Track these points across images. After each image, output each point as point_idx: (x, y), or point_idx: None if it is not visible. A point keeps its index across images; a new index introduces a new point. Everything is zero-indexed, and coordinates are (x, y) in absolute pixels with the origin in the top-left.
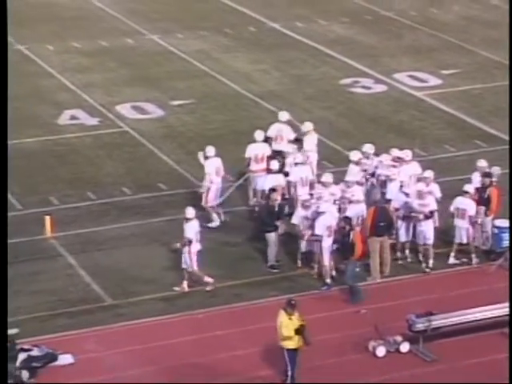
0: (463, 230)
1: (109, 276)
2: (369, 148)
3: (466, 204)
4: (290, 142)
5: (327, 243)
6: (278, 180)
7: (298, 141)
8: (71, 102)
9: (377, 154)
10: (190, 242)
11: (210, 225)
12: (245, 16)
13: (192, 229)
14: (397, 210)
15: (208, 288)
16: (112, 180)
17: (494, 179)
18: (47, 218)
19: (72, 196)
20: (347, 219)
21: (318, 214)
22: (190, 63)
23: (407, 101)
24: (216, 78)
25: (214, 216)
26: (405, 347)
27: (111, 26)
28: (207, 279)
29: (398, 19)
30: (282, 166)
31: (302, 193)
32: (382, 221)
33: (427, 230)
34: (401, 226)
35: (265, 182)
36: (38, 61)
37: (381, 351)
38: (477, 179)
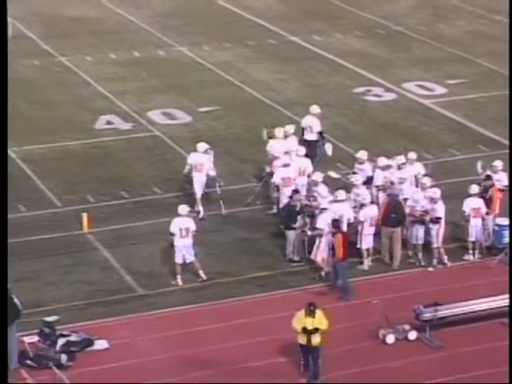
0: (478, 228)
1: (140, 268)
2: (362, 154)
3: (481, 203)
4: (319, 133)
5: (327, 238)
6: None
7: (321, 134)
8: (107, 108)
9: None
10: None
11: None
12: (266, 29)
13: (177, 224)
14: (413, 208)
15: (200, 280)
16: (143, 180)
17: (499, 180)
18: (84, 215)
19: (107, 195)
20: (335, 222)
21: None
22: (215, 73)
23: (415, 108)
24: (239, 87)
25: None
26: (412, 335)
27: (144, 39)
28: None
29: (407, 33)
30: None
31: (300, 182)
32: (393, 213)
33: (437, 232)
34: (412, 227)
35: (276, 176)
36: (78, 71)
37: (390, 339)
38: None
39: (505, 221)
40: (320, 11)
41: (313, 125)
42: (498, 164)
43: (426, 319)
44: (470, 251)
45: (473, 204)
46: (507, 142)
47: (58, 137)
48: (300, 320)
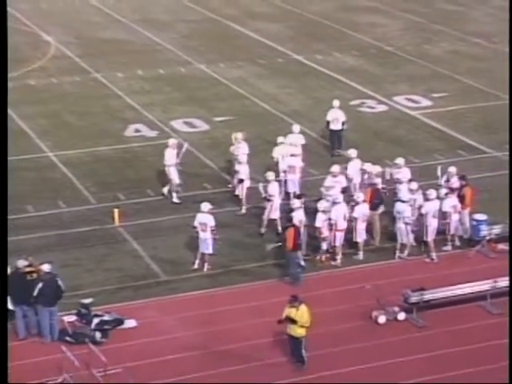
0: (457, 223)
1: (164, 257)
2: (335, 168)
3: (456, 201)
4: (343, 123)
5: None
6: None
7: (343, 124)
8: (135, 118)
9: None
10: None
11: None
12: (274, 50)
13: (198, 219)
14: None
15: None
16: (167, 180)
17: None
18: (116, 211)
19: (135, 193)
20: (289, 216)
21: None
22: (229, 87)
23: (404, 118)
24: (250, 100)
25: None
26: (401, 316)
27: (167, 58)
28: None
29: (397, 53)
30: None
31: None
32: (375, 199)
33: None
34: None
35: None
36: (110, 85)
37: (382, 319)
38: (454, 182)
39: (482, 216)
40: (321, 34)
41: (338, 117)
42: (453, 170)
43: (413, 302)
44: (449, 243)
45: (451, 203)
46: (483, 148)
47: (93, 143)
48: (286, 309)
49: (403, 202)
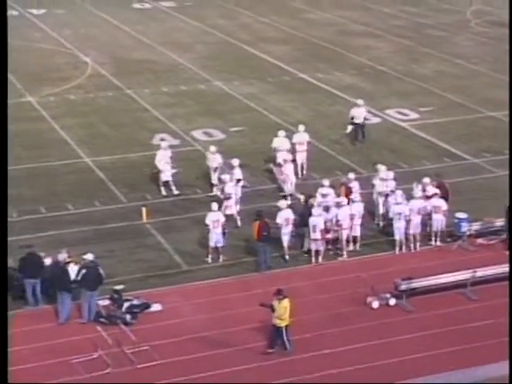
0: (440, 221)
1: (185, 250)
2: (325, 181)
3: (441, 203)
4: (366, 119)
5: (286, 230)
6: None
7: (365, 119)
8: (161, 128)
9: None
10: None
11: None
12: (281, 69)
13: (210, 217)
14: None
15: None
16: (188, 183)
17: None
18: (144, 209)
19: (160, 193)
20: (259, 212)
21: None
22: (243, 102)
23: (395, 129)
24: (261, 112)
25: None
26: (392, 301)
27: (189, 76)
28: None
29: (389, 72)
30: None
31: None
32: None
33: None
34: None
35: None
36: (139, 100)
37: (375, 304)
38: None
39: (463, 215)
40: (322, 55)
41: (360, 114)
42: (426, 180)
43: (403, 289)
44: (433, 238)
45: (433, 203)
46: (464, 155)
47: (124, 150)
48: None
49: (399, 204)
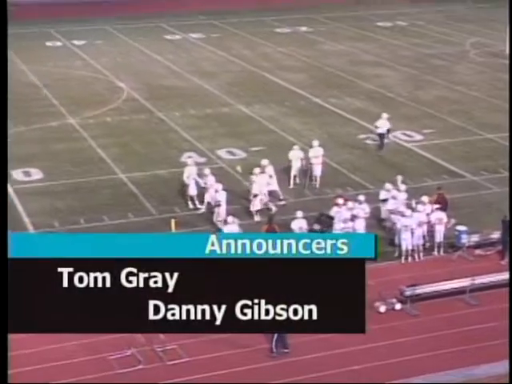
0: (442, 232)
1: None
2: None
3: (443, 216)
4: (388, 130)
5: None
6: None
7: (388, 130)
8: (188, 147)
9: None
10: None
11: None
12: (298, 94)
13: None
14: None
15: None
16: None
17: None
18: (173, 221)
19: (188, 206)
20: (271, 215)
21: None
22: (263, 124)
23: (401, 149)
24: (279, 134)
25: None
26: (398, 306)
27: (214, 100)
28: None
29: (395, 98)
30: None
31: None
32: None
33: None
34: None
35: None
36: (169, 122)
37: (382, 309)
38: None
39: (463, 227)
40: (335, 82)
41: (384, 125)
42: (425, 199)
43: (407, 295)
44: (436, 248)
45: (437, 216)
46: (463, 173)
47: (155, 167)
48: None
49: (405, 216)
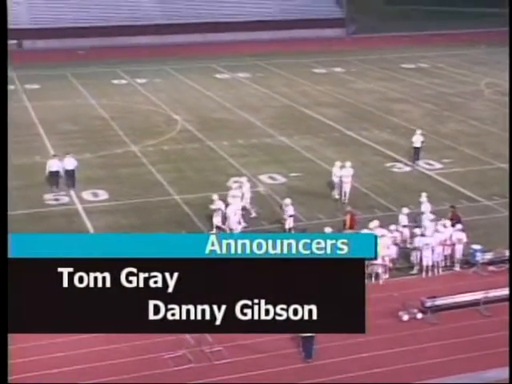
0: (461, 251)
1: None
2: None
3: (462, 235)
4: (423, 142)
5: None
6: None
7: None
8: (235, 173)
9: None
10: None
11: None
12: (332, 127)
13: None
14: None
15: None
16: (259, 216)
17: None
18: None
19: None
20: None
21: None
22: (300, 153)
23: (423, 177)
24: (315, 162)
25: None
26: (419, 316)
27: (258, 132)
28: None
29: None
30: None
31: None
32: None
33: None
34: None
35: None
36: (218, 150)
37: (405, 317)
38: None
39: (477, 246)
40: (365, 117)
41: (419, 139)
42: (447, 223)
43: (428, 306)
44: (456, 264)
45: (457, 236)
46: (478, 198)
47: (205, 190)
48: None
49: (425, 236)
